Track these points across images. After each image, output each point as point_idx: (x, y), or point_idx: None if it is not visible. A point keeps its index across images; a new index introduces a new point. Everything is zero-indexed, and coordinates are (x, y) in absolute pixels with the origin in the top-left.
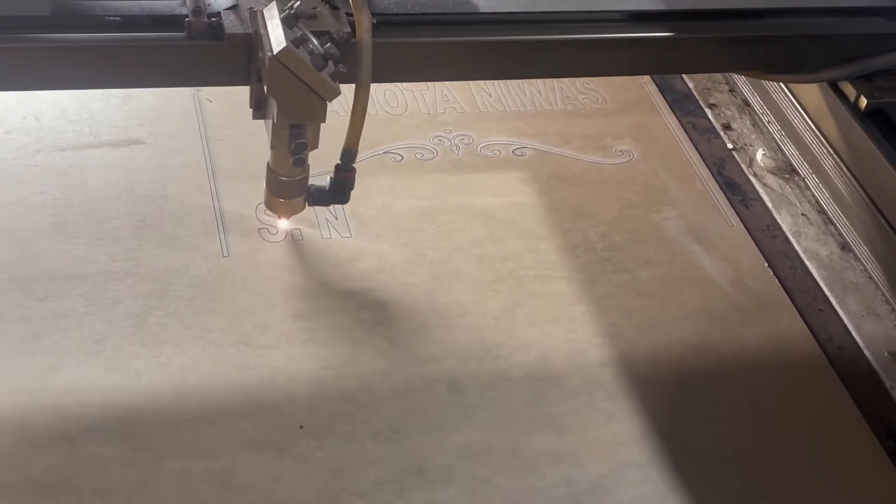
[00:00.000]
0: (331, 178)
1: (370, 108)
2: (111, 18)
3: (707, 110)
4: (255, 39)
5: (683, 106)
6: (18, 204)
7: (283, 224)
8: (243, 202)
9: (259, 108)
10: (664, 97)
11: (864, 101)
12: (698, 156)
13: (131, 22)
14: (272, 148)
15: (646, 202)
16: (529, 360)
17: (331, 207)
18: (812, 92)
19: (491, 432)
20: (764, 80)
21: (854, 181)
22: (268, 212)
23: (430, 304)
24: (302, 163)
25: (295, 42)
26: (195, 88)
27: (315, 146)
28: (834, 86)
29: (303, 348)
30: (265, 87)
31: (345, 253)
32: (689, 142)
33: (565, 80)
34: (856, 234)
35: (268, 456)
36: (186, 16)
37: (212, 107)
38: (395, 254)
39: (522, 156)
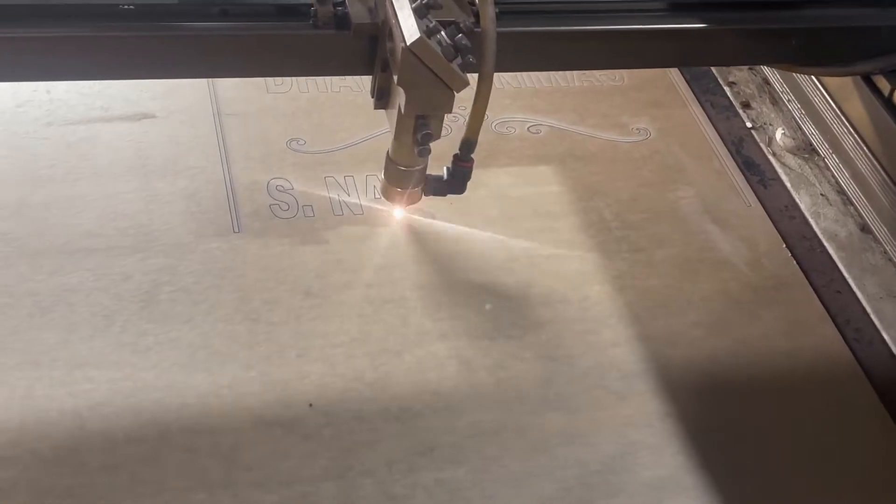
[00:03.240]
0: (448, 168)
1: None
2: (235, 7)
3: (726, 88)
4: (381, 29)
5: (702, 84)
6: (29, 177)
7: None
8: (255, 178)
9: (381, 97)
10: (682, 75)
11: None
12: (716, 134)
13: (257, 11)
14: (395, 138)
15: (662, 181)
16: (542, 339)
17: (344, 183)
18: None
19: (501, 412)
20: (796, 73)
21: (875, 161)
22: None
23: (442, 282)
24: (426, 153)
25: (427, 33)
26: None
27: (438, 136)
28: (867, 79)
29: (312, 325)
30: (395, 78)
31: (356, 230)
32: (708, 120)
33: None
34: (876, 215)
35: (275, 433)
36: (312, 4)
37: (224, 82)
38: (407, 231)
39: (538, 133)
